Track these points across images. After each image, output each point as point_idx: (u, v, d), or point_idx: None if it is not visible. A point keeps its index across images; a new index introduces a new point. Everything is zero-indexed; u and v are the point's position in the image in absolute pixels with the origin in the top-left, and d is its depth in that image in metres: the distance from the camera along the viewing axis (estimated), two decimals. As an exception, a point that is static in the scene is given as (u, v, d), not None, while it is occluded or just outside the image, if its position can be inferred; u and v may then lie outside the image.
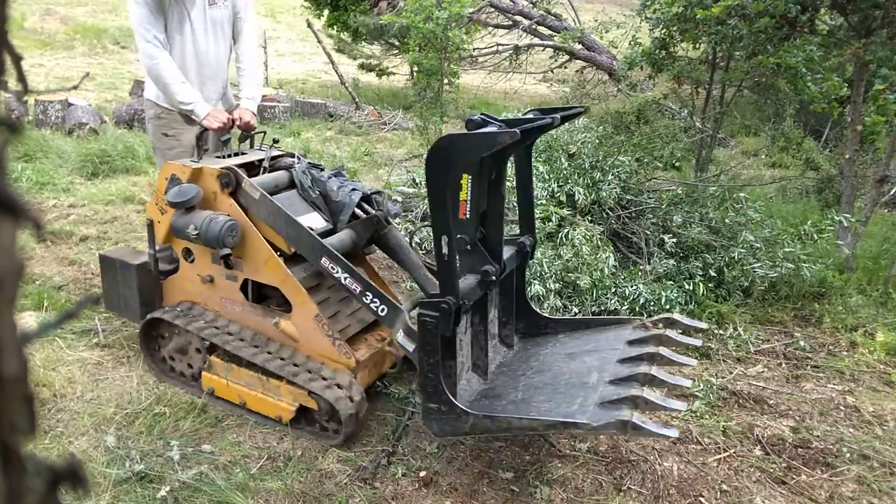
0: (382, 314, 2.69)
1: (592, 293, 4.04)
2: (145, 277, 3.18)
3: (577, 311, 4.02)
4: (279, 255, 2.90)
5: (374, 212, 3.13)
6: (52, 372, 3.11)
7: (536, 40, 10.92)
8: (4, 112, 0.43)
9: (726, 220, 4.51)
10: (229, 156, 3.17)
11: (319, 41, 10.26)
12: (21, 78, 0.54)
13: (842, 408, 3.29)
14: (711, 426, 3.06)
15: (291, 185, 3.13)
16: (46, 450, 2.62)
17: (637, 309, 3.98)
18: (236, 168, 2.91)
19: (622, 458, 2.80)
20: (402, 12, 7.82)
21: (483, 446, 2.83)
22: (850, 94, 4.84)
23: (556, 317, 3.25)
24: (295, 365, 2.83)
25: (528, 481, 2.64)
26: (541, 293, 3.86)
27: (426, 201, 4.96)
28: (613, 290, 4.07)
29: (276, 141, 3.41)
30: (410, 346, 2.54)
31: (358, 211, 3.11)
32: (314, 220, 3.01)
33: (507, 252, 2.83)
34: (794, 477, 2.75)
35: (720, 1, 4.74)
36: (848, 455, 2.89)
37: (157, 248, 3.09)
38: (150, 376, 3.18)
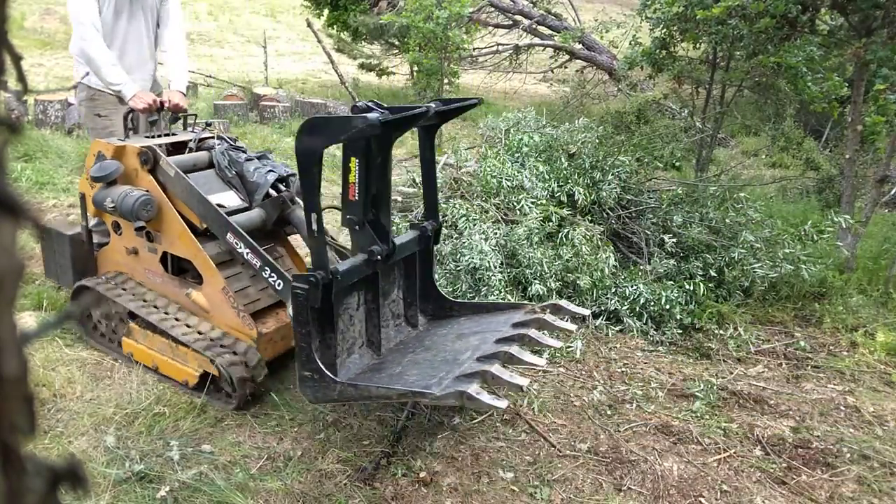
0: (279, 288, 2.86)
1: (592, 293, 4.03)
2: (78, 247, 3.41)
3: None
4: (207, 233, 3.09)
5: (285, 192, 3.31)
6: (51, 372, 3.11)
7: (536, 40, 10.92)
8: (4, 112, 0.43)
9: (726, 220, 4.51)
10: (159, 136, 3.34)
11: (319, 41, 10.25)
12: (21, 78, 0.54)
13: (842, 408, 3.29)
14: (712, 426, 3.06)
15: (211, 164, 3.32)
16: (46, 450, 2.62)
17: (637, 309, 3.99)
18: (155, 147, 3.11)
19: (622, 458, 2.80)
20: (402, 12, 7.82)
21: (483, 446, 2.83)
22: (851, 94, 4.84)
23: (461, 300, 3.45)
24: (199, 334, 3.03)
25: (528, 481, 2.64)
26: (541, 293, 3.86)
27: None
28: (613, 290, 4.07)
29: (209, 124, 3.61)
30: None
31: (272, 191, 3.29)
32: (229, 199, 3.20)
33: (409, 236, 3.00)
34: (795, 477, 2.75)
35: (721, 1, 4.74)
36: (848, 455, 2.89)
37: (90, 221, 3.35)
38: (150, 376, 3.18)
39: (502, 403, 2.22)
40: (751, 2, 4.65)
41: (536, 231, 4.14)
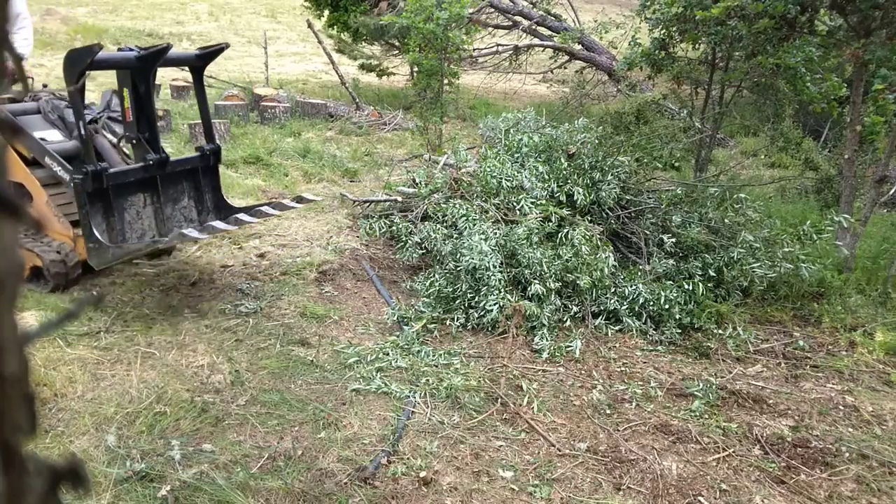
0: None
1: (592, 293, 4.04)
2: None
3: (576, 310, 4.03)
4: (35, 163, 3.83)
5: (91, 125, 4.15)
6: (52, 371, 3.12)
7: (536, 41, 10.92)
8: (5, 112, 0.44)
9: (725, 221, 4.52)
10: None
11: (320, 41, 10.24)
12: (21, 78, 0.55)
13: (841, 407, 3.29)
14: (711, 426, 3.07)
15: (39, 111, 4.16)
16: (47, 449, 2.63)
17: (636, 309, 3.99)
18: None
19: (621, 458, 2.81)
20: (402, 13, 7.83)
21: (482, 445, 2.83)
22: (850, 95, 4.84)
23: (242, 206, 4.49)
24: (30, 238, 3.88)
25: (527, 480, 2.64)
26: (541, 293, 3.86)
27: (427, 202, 4.98)
28: (613, 289, 4.08)
29: (45, 86, 4.44)
30: None
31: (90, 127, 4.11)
32: (52, 135, 4.03)
33: (191, 155, 4.19)
34: (794, 476, 2.75)
35: (720, 2, 4.75)
36: (847, 454, 2.89)
37: None
38: (151, 375, 3.18)
39: (204, 237, 3.58)
40: (750, 2, 4.66)
41: (536, 231, 4.14)
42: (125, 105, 3.79)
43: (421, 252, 4.60)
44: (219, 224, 3.58)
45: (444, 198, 4.85)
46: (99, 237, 3.54)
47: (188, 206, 4.18)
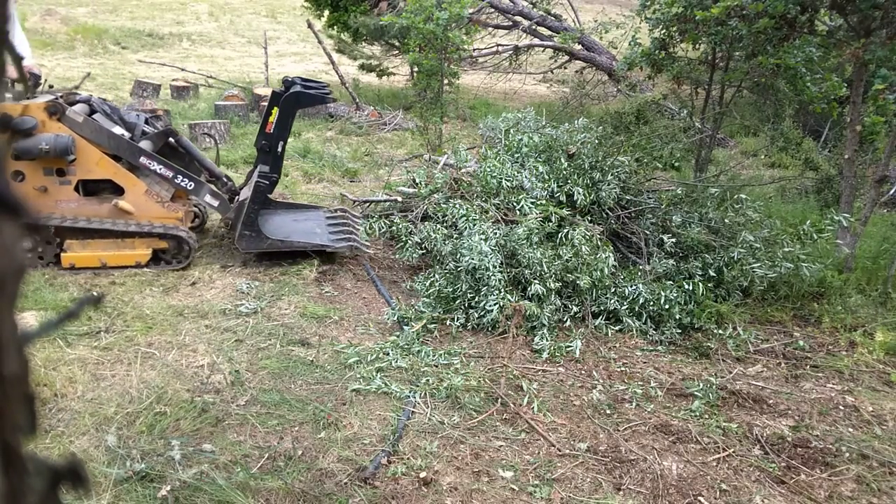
0: (191, 188, 4.29)
1: (592, 293, 4.04)
2: None
3: (576, 310, 4.03)
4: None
5: (161, 127, 4.64)
6: (52, 371, 3.12)
7: (536, 41, 10.91)
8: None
9: (725, 221, 4.51)
10: (33, 96, 4.17)
11: (320, 42, 10.24)
12: (22, 78, 0.55)
13: (841, 407, 3.29)
14: (711, 426, 3.07)
15: (93, 112, 4.34)
16: (47, 449, 2.62)
17: (636, 309, 3.99)
18: (60, 101, 3.97)
19: (622, 458, 2.81)
20: (402, 13, 7.83)
21: (482, 445, 2.83)
22: (850, 95, 4.84)
23: (276, 200, 5.01)
24: (144, 225, 4.20)
25: (527, 480, 2.64)
26: (541, 293, 3.86)
27: (427, 202, 4.98)
28: (613, 290, 4.07)
29: (51, 86, 4.50)
30: (215, 203, 4.38)
31: (146, 127, 4.55)
32: (119, 132, 4.30)
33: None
34: (794, 476, 2.75)
35: (720, 1, 4.75)
36: (847, 454, 2.89)
37: None
38: (151, 375, 3.18)
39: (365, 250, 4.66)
40: (750, 2, 4.66)
41: (536, 231, 4.14)
42: (270, 120, 4.34)
43: (421, 252, 4.60)
44: (359, 244, 4.59)
45: (444, 198, 4.85)
46: (260, 228, 4.27)
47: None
